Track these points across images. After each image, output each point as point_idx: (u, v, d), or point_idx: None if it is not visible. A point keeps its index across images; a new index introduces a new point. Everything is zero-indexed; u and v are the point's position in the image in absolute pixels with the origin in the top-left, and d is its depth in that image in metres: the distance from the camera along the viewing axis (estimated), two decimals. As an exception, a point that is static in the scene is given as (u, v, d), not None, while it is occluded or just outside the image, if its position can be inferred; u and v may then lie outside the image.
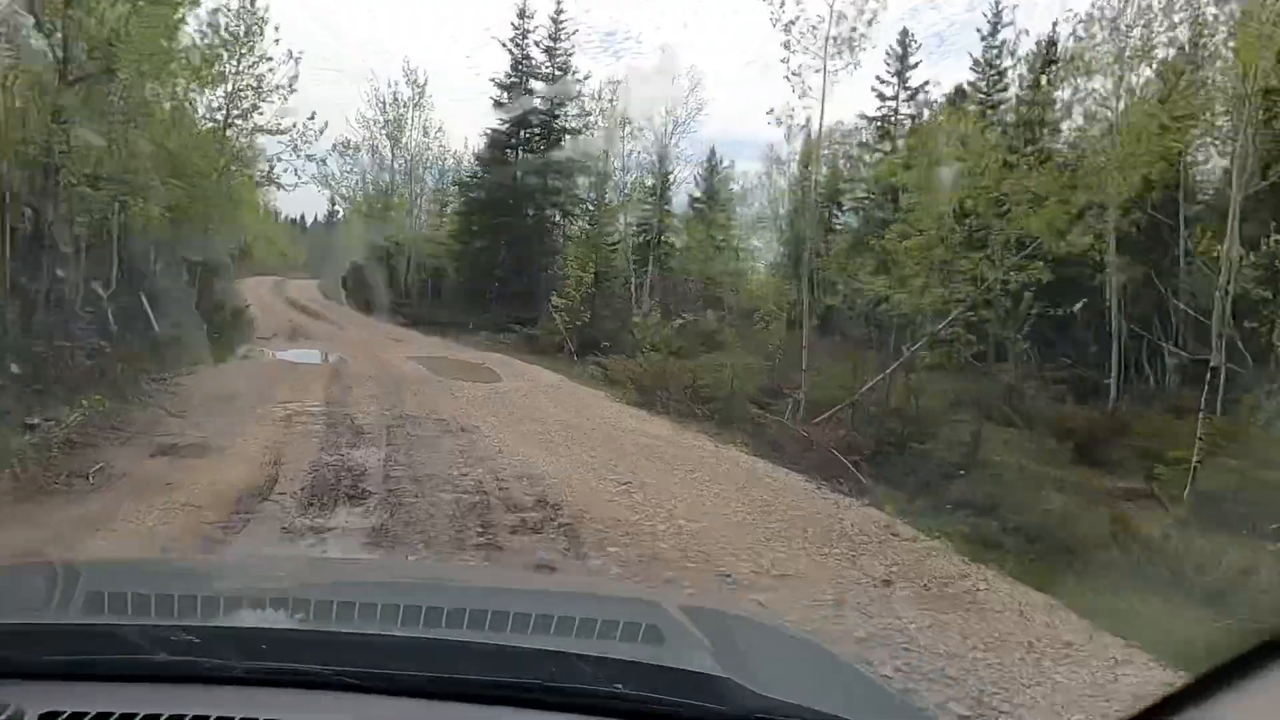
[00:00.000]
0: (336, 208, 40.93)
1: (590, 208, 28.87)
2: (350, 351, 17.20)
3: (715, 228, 30.59)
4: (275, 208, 64.82)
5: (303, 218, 62.78)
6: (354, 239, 40.39)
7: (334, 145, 32.79)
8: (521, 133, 27.86)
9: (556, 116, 27.60)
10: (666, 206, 29.78)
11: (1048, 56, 20.29)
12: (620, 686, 1.06)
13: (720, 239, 31.72)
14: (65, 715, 0.96)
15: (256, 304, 29.75)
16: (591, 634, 1.41)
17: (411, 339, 22.02)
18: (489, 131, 28.15)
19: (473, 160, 29.59)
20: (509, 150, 28.13)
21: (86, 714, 0.96)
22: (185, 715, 0.97)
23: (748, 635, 1.73)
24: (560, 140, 27.73)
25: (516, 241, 28.14)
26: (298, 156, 19.18)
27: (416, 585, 2.04)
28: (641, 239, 29.14)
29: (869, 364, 14.40)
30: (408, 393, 12.01)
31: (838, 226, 30.92)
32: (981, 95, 24.63)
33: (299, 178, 20.48)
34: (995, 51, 24.08)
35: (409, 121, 31.43)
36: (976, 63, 24.70)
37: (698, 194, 31.20)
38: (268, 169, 19.21)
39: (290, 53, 19.15)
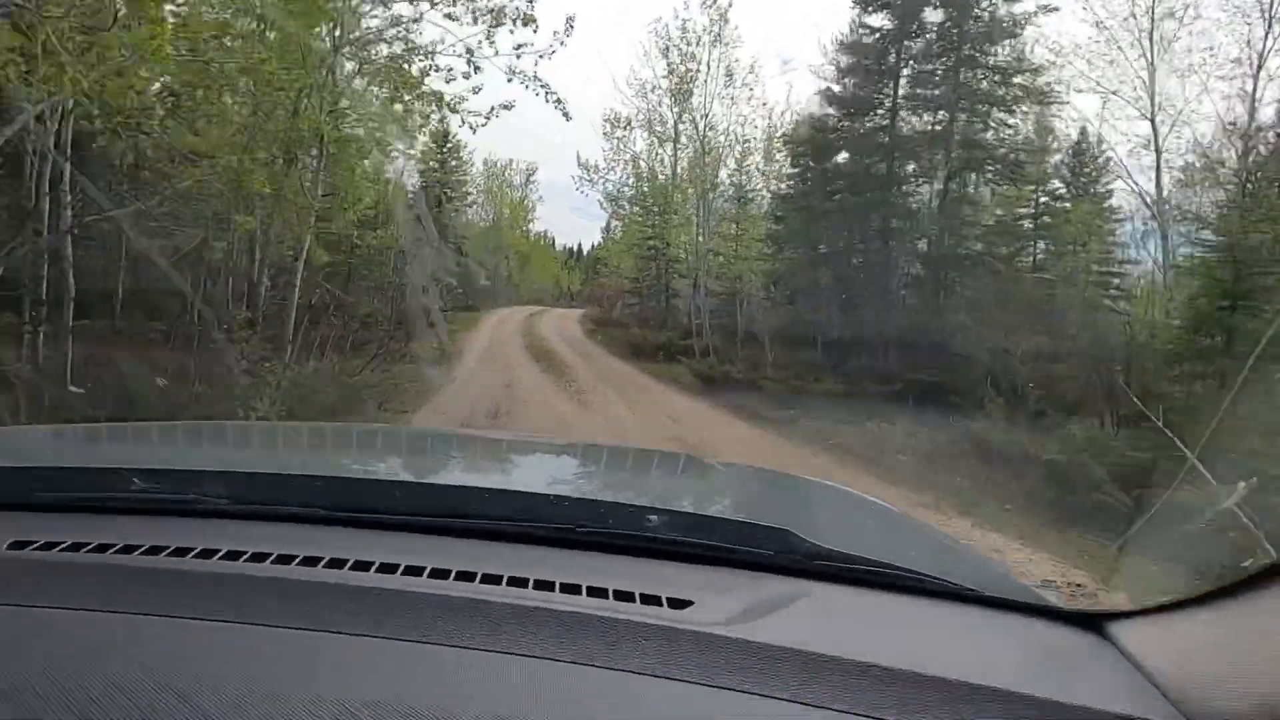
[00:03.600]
0: (614, 224, 30.80)
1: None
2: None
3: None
4: (549, 234, 60.09)
5: (579, 246, 56.65)
6: (620, 256, 30.73)
7: (603, 119, 23.38)
8: (904, 45, 15.45)
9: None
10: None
11: None
12: (653, 520, 1.01)
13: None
14: (36, 544, 0.91)
15: (483, 347, 20.59)
16: (624, 470, 1.53)
17: (712, 435, 10.47)
18: (841, 43, 16.11)
19: (818, 103, 17.44)
20: (879, 78, 15.82)
21: (60, 543, 0.91)
22: (167, 546, 0.90)
23: (805, 490, 1.61)
24: (985, 45, 14.86)
25: (879, 239, 15.75)
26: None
27: (431, 438, 2.05)
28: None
29: None
30: None
31: None
32: None
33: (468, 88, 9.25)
34: None
35: (704, 65, 20.56)
36: None
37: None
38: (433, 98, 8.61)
39: None
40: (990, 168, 14.97)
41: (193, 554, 0.87)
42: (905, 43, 15.33)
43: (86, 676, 0.66)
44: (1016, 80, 14.73)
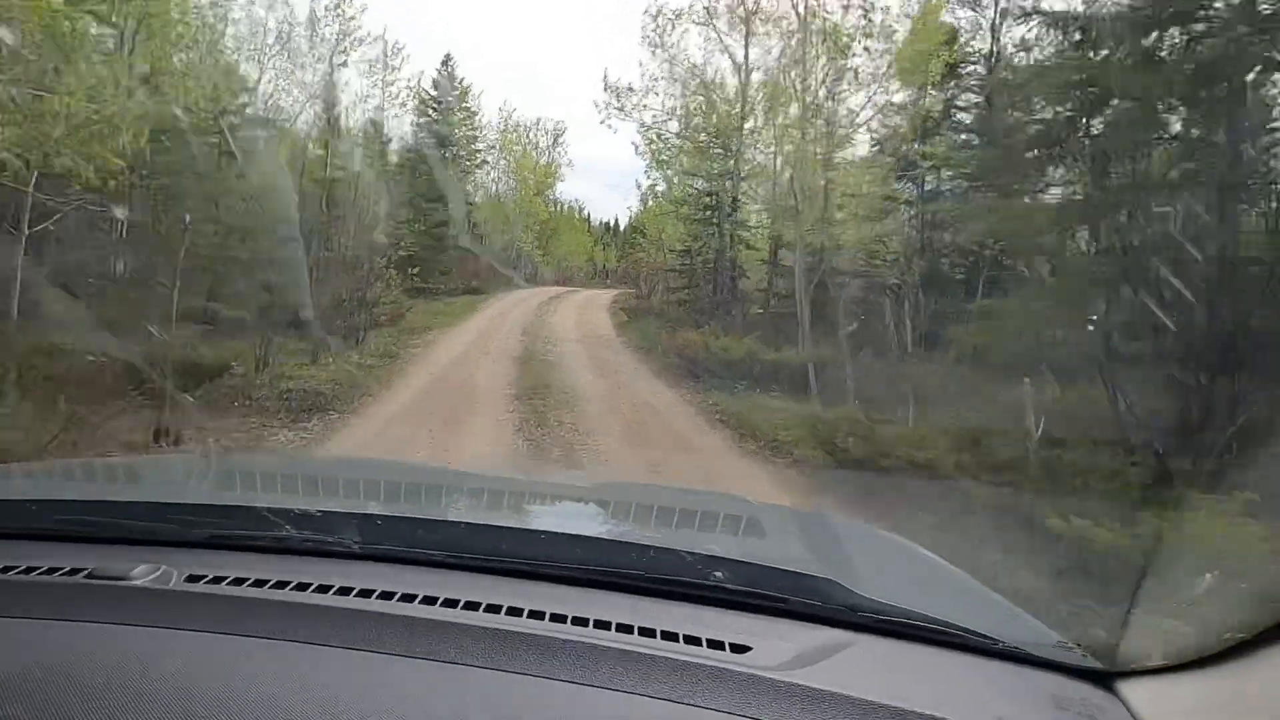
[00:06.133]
0: (654, 175, 21.98)
1: None
2: None
3: None
4: (581, 206, 52.15)
5: (616, 220, 48.84)
6: (662, 220, 22.53)
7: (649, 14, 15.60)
8: None
9: None
10: None
11: None
12: (719, 575, 1.09)
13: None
14: (207, 578, 1.03)
15: (446, 362, 12.74)
16: (692, 525, 1.57)
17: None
18: None
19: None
20: None
21: (225, 578, 1.03)
22: (310, 583, 1.02)
23: (850, 538, 1.70)
24: None
25: (1203, 172, 7.49)
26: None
27: (523, 483, 2.17)
28: None
29: None
30: None
31: None
32: None
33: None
34: None
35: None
36: None
37: None
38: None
39: None
40: None
41: (332, 591, 1.00)
42: None
43: (278, 698, 0.75)
44: None
